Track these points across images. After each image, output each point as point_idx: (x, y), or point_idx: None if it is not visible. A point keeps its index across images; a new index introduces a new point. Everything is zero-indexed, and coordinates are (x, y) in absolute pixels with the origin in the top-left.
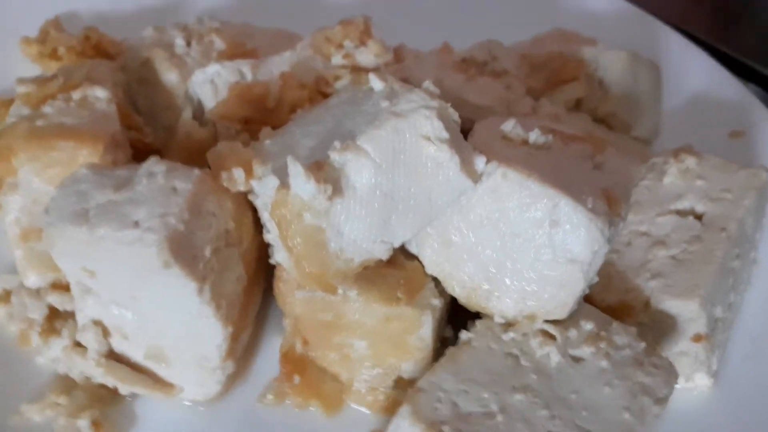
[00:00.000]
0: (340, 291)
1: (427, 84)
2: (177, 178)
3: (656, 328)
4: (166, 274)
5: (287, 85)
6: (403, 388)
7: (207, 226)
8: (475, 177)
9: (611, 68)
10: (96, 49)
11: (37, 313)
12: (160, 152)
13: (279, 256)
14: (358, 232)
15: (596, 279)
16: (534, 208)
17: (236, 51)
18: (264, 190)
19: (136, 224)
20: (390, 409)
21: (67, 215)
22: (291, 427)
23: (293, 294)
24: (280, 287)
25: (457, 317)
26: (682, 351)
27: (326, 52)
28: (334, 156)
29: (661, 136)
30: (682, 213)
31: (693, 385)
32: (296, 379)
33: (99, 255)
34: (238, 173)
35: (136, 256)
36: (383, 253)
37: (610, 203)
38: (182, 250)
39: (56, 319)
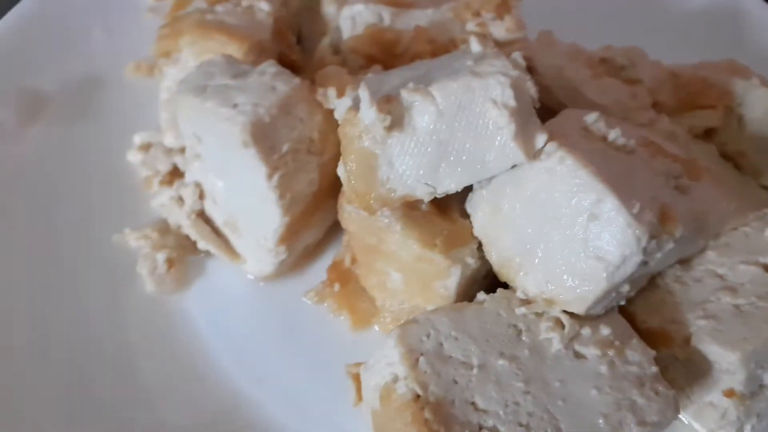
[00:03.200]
0: (386, 221)
1: (516, 55)
2: (279, 80)
3: (691, 368)
4: (245, 153)
5: (417, 37)
6: None
7: (291, 128)
8: (530, 152)
9: (755, 106)
10: None
11: (163, 166)
12: (302, 69)
13: (339, 169)
14: (407, 169)
15: (626, 288)
16: (579, 197)
17: (403, 3)
18: (340, 109)
19: (235, 106)
20: None
21: (191, 88)
22: (319, 325)
23: (346, 208)
24: (341, 201)
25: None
26: (712, 402)
27: (464, 17)
28: (404, 94)
29: None
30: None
31: None
32: (336, 286)
33: (204, 124)
34: (331, 92)
35: (226, 131)
36: (425, 195)
37: (663, 219)
38: (262, 137)
39: (176, 177)
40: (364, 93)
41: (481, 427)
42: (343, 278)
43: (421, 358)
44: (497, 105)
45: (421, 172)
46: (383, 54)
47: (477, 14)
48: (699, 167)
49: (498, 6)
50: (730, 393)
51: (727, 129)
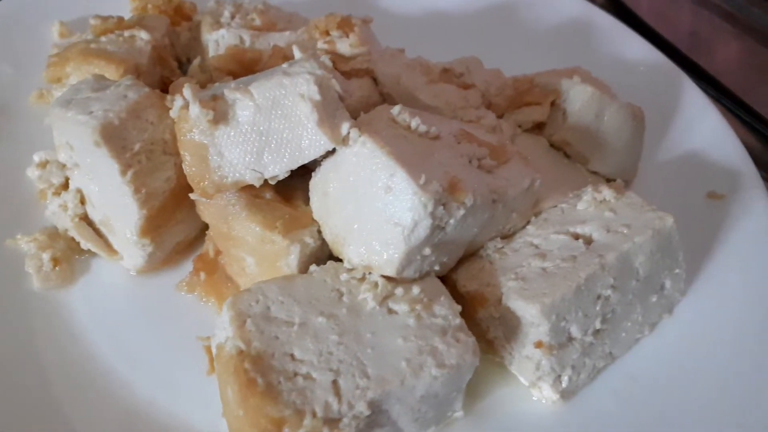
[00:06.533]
0: (232, 209)
1: (324, 58)
2: (131, 90)
3: (507, 325)
4: (100, 153)
5: (274, 55)
6: None
7: (142, 129)
8: (337, 137)
9: (575, 101)
10: (176, 10)
11: (57, 180)
12: None
13: (183, 162)
14: (235, 157)
15: (428, 251)
16: (378, 174)
17: (268, 29)
18: (175, 108)
19: (90, 113)
20: None
21: (61, 102)
22: (190, 312)
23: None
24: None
25: None
26: (527, 355)
27: (316, 37)
28: (227, 92)
29: (646, 180)
30: (576, 236)
31: (540, 395)
32: (202, 275)
33: (71, 132)
34: (177, 99)
35: (83, 134)
36: (254, 180)
37: (452, 189)
38: (112, 138)
39: (66, 189)
40: (187, 92)
41: (296, 374)
42: (209, 268)
43: (248, 320)
44: (304, 98)
45: (248, 159)
46: (244, 70)
47: (326, 33)
48: (505, 151)
49: (340, 24)
50: (539, 344)
51: (553, 122)
